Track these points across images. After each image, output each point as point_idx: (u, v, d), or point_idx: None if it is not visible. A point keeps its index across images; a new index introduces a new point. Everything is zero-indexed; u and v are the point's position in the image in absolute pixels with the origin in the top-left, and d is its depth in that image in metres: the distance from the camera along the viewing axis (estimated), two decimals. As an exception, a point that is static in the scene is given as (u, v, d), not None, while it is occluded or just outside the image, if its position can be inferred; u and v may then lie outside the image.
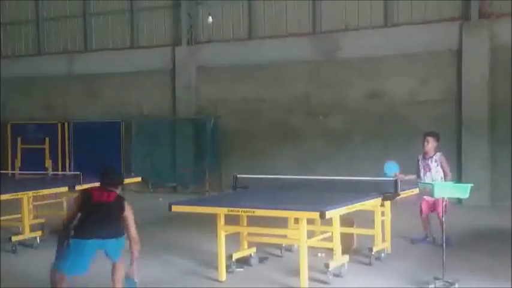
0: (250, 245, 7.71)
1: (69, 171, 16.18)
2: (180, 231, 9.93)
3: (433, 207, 8.60)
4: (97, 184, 6.28)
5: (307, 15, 15.12)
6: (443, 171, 8.67)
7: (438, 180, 8.41)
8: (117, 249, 6.02)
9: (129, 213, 6.03)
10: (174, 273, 7.38)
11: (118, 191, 6.21)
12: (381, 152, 13.87)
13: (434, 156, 8.68)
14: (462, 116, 13.32)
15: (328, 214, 6.20)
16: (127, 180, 12.15)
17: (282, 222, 7.75)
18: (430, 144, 8.67)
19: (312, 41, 14.94)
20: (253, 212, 6.55)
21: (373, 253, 7.61)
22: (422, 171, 8.72)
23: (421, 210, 8.89)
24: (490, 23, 13.20)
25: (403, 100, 14.02)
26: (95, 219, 5.88)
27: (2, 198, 8.31)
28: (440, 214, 8.45)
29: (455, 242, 8.39)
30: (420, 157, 8.81)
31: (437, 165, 8.65)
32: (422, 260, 7.75)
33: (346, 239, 7.77)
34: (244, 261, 7.52)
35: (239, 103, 15.64)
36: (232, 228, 7.45)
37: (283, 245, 8.13)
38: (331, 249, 7.08)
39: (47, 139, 17.31)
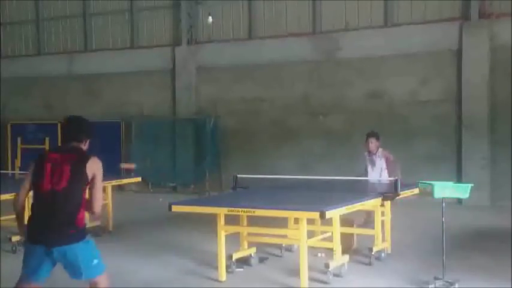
0: (250, 245, 7.71)
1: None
2: (180, 231, 9.93)
3: None
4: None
5: (307, 15, 15.12)
6: (388, 158, 9.45)
7: (384, 172, 9.38)
8: (85, 260, 4.45)
9: (97, 171, 4.54)
10: (174, 273, 7.38)
11: (84, 146, 4.80)
12: (380, 152, 13.88)
13: (377, 153, 9.50)
14: (462, 116, 13.32)
15: (328, 214, 6.19)
16: (127, 180, 12.26)
17: (282, 222, 7.75)
18: (373, 144, 9.52)
19: (312, 41, 14.94)
20: (253, 212, 6.54)
21: (373, 253, 7.61)
22: (369, 166, 9.51)
23: None
24: (490, 23, 13.20)
25: (403, 100, 14.03)
26: (44, 212, 4.43)
27: (2, 198, 8.31)
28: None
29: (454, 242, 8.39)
30: (366, 154, 9.60)
31: (381, 160, 9.47)
32: (422, 260, 7.75)
33: (346, 239, 7.77)
34: (244, 261, 7.51)
35: (239, 103, 15.65)
36: (232, 228, 7.45)
37: (283, 245, 8.12)
38: (331, 249, 7.07)
39: (47, 139, 17.31)
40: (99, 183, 4.53)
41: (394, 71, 14.07)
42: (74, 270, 4.48)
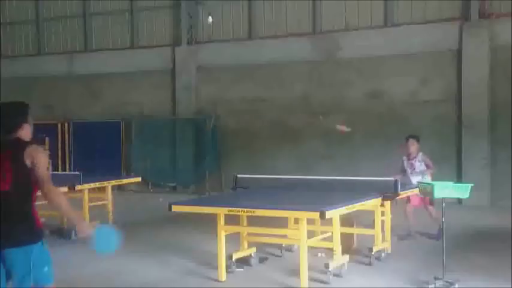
0: (250, 245, 7.71)
1: (69, 171, 16.19)
2: (180, 231, 9.92)
3: (424, 202, 9.07)
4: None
5: (307, 15, 15.12)
6: (427, 165, 9.26)
7: (425, 176, 9.05)
8: (36, 265, 4.12)
9: (36, 156, 4.19)
10: (174, 273, 7.38)
11: (23, 131, 4.38)
12: (381, 152, 13.89)
13: (417, 157, 9.32)
14: (462, 116, 13.32)
15: (328, 214, 6.19)
16: (127, 180, 12.26)
17: (282, 222, 7.75)
18: (414, 146, 9.34)
19: (312, 41, 14.95)
20: (253, 212, 6.54)
21: (373, 253, 7.61)
22: (408, 170, 9.28)
23: (408, 202, 8.96)
24: (490, 23, 13.21)
25: (403, 100, 14.03)
26: None
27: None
28: (432, 209, 8.97)
29: (454, 241, 8.39)
30: (405, 158, 9.39)
31: (421, 164, 9.27)
32: (422, 260, 7.75)
33: (346, 239, 7.77)
34: (244, 261, 7.51)
35: (239, 103, 15.64)
36: (232, 228, 7.45)
37: (283, 245, 8.13)
38: (331, 249, 7.08)
39: (47, 139, 17.30)
40: (41, 163, 4.15)
41: (394, 71, 14.07)
42: (21, 276, 4.09)
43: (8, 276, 4.16)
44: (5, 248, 4.07)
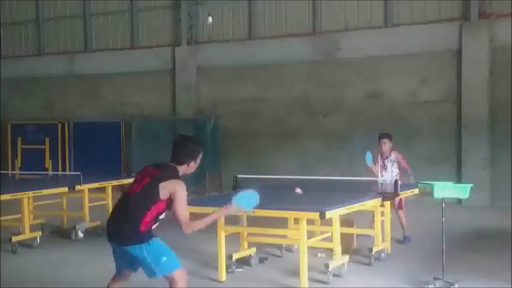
0: (250, 245, 7.71)
1: (69, 171, 16.19)
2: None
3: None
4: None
5: (307, 15, 15.12)
6: (404, 167, 9.00)
7: (393, 178, 8.46)
8: (154, 258, 4.73)
9: (175, 191, 4.70)
10: (174, 273, 7.36)
11: (182, 169, 4.90)
12: (380, 152, 13.89)
13: (389, 156, 9.06)
14: (462, 116, 13.32)
15: (328, 214, 6.20)
16: (127, 181, 12.21)
17: (282, 222, 7.75)
18: (387, 145, 9.08)
19: (312, 41, 14.95)
20: (253, 212, 6.54)
21: (373, 253, 7.61)
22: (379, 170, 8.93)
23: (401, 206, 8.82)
24: (490, 23, 13.20)
25: (403, 100, 14.03)
26: (115, 211, 4.84)
27: (2, 198, 8.31)
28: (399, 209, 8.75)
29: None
30: (378, 157, 9.06)
31: (392, 164, 9.02)
32: (422, 260, 7.75)
33: (346, 239, 7.77)
34: (244, 262, 7.52)
35: (239, 103, 15.65)
36: (232, 229, 7.45)
37: (283, 245, 8.13)
38: (331, 249, 7.08)
39: (47, 139, 17.31)
40: (178, 202, 4.71)
41: (394, 71, 14.07)
42: (148, 270, 4.77)
43: (131, 265, 4.86)
44: (117, 243, 4.72)
